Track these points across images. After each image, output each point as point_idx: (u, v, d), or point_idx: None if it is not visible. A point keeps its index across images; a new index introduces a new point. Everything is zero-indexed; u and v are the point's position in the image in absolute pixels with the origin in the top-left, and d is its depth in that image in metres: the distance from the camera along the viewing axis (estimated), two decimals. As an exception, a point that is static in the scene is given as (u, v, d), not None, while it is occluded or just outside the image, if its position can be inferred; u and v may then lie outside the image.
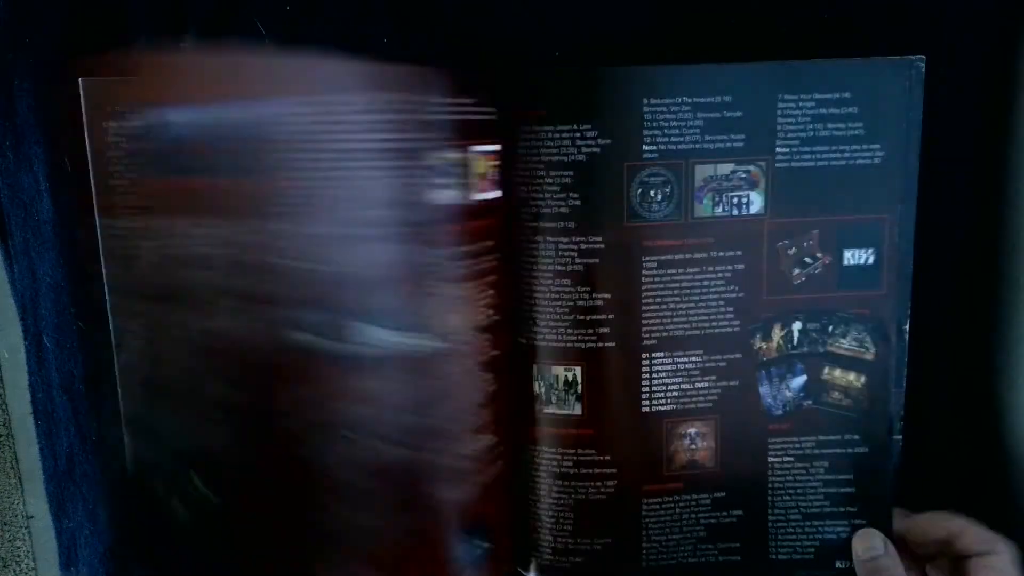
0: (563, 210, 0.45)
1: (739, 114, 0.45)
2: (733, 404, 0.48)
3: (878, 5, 0.46)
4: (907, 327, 0.47)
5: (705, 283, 0.47)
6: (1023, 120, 0.46)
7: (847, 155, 0.45)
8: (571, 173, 0.45)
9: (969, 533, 0.45)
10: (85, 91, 0.45)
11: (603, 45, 0.46)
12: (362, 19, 0.46)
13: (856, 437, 0.48)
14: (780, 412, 0.48)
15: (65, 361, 0.49)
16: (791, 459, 0.48)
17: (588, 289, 0.46)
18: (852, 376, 0.47)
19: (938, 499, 0.50)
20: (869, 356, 0.47)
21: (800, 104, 0.45)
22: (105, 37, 0.46)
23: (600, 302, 0.46)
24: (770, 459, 0.48)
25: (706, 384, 0.48)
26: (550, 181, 0.45)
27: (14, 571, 0.56)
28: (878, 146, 0.45)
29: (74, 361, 0.49)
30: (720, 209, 0.46)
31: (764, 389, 0.48)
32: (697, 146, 0.45)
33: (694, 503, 0.48)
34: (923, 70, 0.44)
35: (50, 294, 0.48)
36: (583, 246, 0.45)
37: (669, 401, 0.47)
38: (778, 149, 0.45)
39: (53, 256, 0.48)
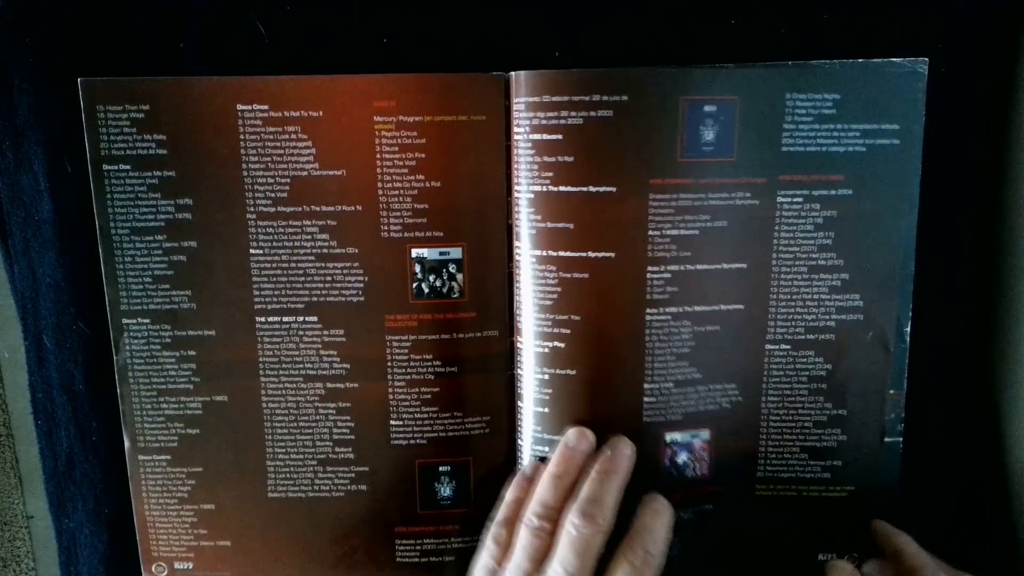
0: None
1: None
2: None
3: (879, 7, 0.46)
4: (908, 329, 0.47)
5: None
6: (1022, 121, 0.46)
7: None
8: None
9: (907, 553, 0.45)
10: (84, 91, 0.45)
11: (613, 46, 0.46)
12: (362, 21, 0.46)
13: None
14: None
15: (65, 361, 0.49)
16: None
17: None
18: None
19: (938, 499, 0.50)
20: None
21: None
22: (106, 37, 0.45)
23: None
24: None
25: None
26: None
27: (14, 571, 0.56)
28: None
29: (74, 361, 0.49)
30: None
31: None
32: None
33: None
34: (926, 72, 0.44)
35: (50, 294, 0.48)
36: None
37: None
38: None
39: (53, 256, 0.48)
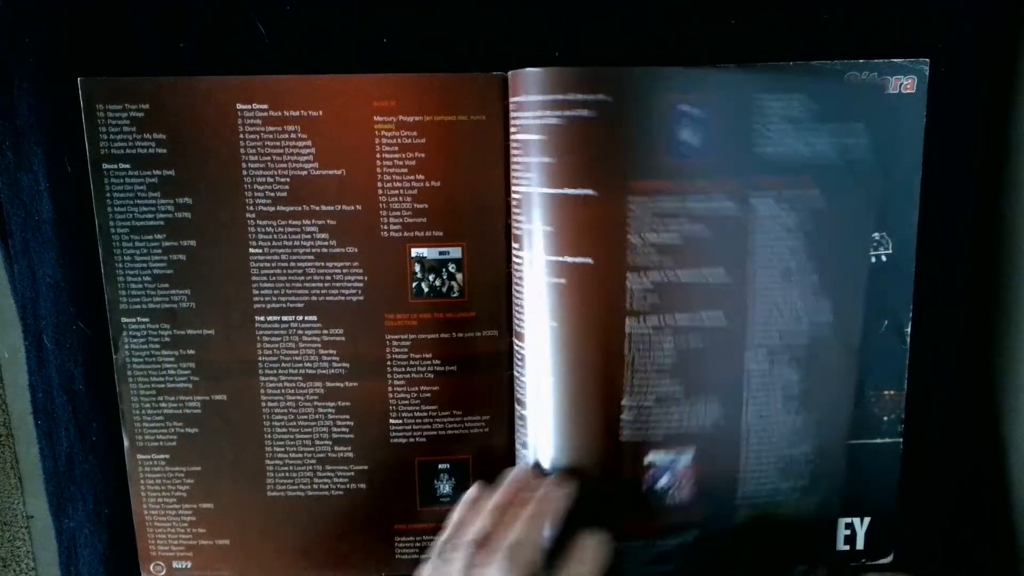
0: None
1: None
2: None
3: (879, 7, 0.46)
4: (908, 329, 0.47)
5: None
6: (1022, 121, 0.46)
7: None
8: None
9: None
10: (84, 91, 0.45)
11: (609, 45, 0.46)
12: (361, 21, 0.46)
13: None
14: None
15: (65, 361, 0.49)
16: None
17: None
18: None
19: (938, 499, 0.50)
20: None
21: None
22: (106, 37, 0.46)
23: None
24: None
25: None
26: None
27: (14, 571, 0.56)
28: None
29: (74, 361, 0.49)
30: None
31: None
32: None
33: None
34: (927, 72, 0.44)
35: (50, 294, 0.48)
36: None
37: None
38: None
39: (53, 256, 0.48)
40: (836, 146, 0.45)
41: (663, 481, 0.46)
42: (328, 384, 0.48)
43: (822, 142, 0.45)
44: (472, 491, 0.46)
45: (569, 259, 0.44)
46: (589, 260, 0.44)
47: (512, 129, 0.45)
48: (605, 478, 0.46)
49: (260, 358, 0.48)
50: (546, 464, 0.46)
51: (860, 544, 0.48)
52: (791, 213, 0.45)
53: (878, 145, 0.45)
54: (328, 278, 0.47)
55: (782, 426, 0.47)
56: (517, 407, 0.48)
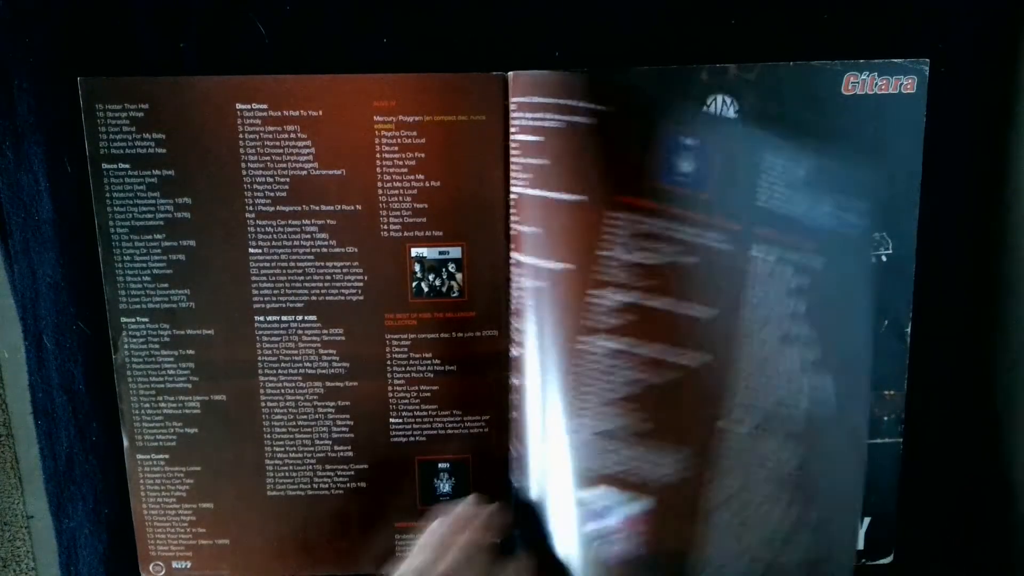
0: None
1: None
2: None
3: (879, 7, 0.46)
4: (908, 329, 0.47)
5: None
6: (1022, 122, 0.46)
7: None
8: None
9: None
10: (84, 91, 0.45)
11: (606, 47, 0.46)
12: (362, 21, 0.46)
13: None
14: None
15: (65, 361, 0.49)
16: None
17: None
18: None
19: (938, 499, 0.50)
20: None
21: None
22: (106, 37, 0.46)
23: None
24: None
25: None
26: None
27: (14, 571, 0.56)
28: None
29: (74, 361, 0.49)
30: None
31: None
32: None
33: None
34: (927, 72, 0.44)
35: (50, 294, 0.48)
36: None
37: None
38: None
39: (53, 256, 0.48)
40: (838, 218, 0.44)
41: (603, 523, 0.42)
42: (328, 384, 0.48)
43: (825, 212, 0.44)
44: (435, 523, 0.46)
45: (552, 264, 0.44)
46: (572, 266, 0.43)
47: (512, 129, 0.45)
48: (543, 499, 0.45)
49: (260, 358, 0.48)
50: (529, 474, 0.46)
51: (860, 544, 0.48)
52: (794, 276, 0.44)
53: (878, 217, 0.44)
54: (328, 278, 0.47)
55: (766, 520, 0.43)
56: (512, 410, 0.48)
